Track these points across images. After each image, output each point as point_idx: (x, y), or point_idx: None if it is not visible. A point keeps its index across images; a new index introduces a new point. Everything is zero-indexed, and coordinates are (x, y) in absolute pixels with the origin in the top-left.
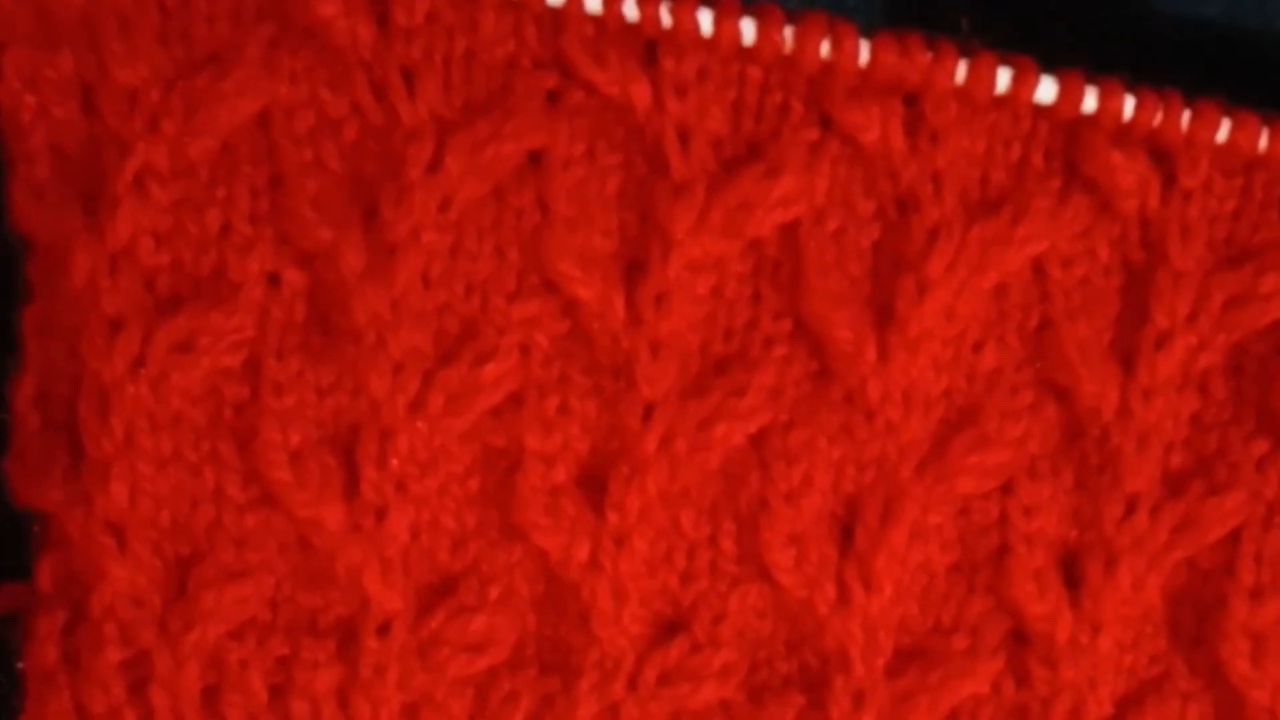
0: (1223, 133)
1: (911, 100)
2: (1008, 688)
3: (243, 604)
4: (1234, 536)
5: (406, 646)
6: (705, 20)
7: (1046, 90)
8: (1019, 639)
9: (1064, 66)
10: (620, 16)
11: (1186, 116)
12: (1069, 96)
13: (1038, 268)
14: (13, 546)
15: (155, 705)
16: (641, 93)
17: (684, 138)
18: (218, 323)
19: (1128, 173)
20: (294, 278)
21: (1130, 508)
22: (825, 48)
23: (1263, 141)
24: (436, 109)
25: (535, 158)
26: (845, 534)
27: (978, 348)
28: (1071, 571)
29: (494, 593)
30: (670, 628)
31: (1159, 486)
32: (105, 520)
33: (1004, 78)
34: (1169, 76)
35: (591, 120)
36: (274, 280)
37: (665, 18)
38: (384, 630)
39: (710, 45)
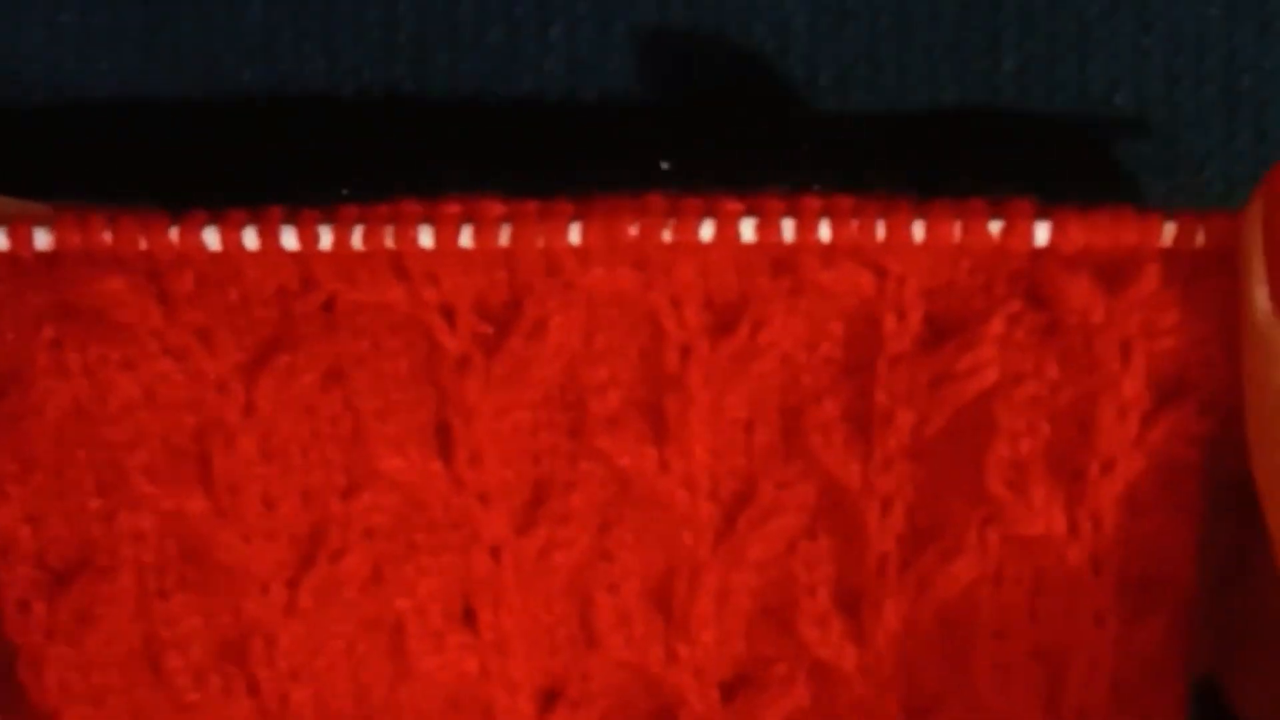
0: (919, 232)
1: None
2: (823, 700)
3: None
4: (970, 590)
5: None
6: (425, 236)
7: (748, 230)
8: (823, 668)
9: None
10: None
11: (881, 227)
12: (769, 234)
13: (784, 355)
14: None
15: None
16: (397, 296)
17: (449, 316)
18: (105, 590)
19: (840, 281)
20: (155, 530)
21: (881, 566)
22: (540, 242)
23: (956, 232)
24: (234, 357)
25: (332, 371)
26: (665, 606)
27: (749, 428)
28: (856, 611)
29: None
30: (553, 695)
31: (906, 545)
32: None
33: (708, 229)
34: None
35: (369, 315)
36: (139, 536)
37: (389, 239)
38: None
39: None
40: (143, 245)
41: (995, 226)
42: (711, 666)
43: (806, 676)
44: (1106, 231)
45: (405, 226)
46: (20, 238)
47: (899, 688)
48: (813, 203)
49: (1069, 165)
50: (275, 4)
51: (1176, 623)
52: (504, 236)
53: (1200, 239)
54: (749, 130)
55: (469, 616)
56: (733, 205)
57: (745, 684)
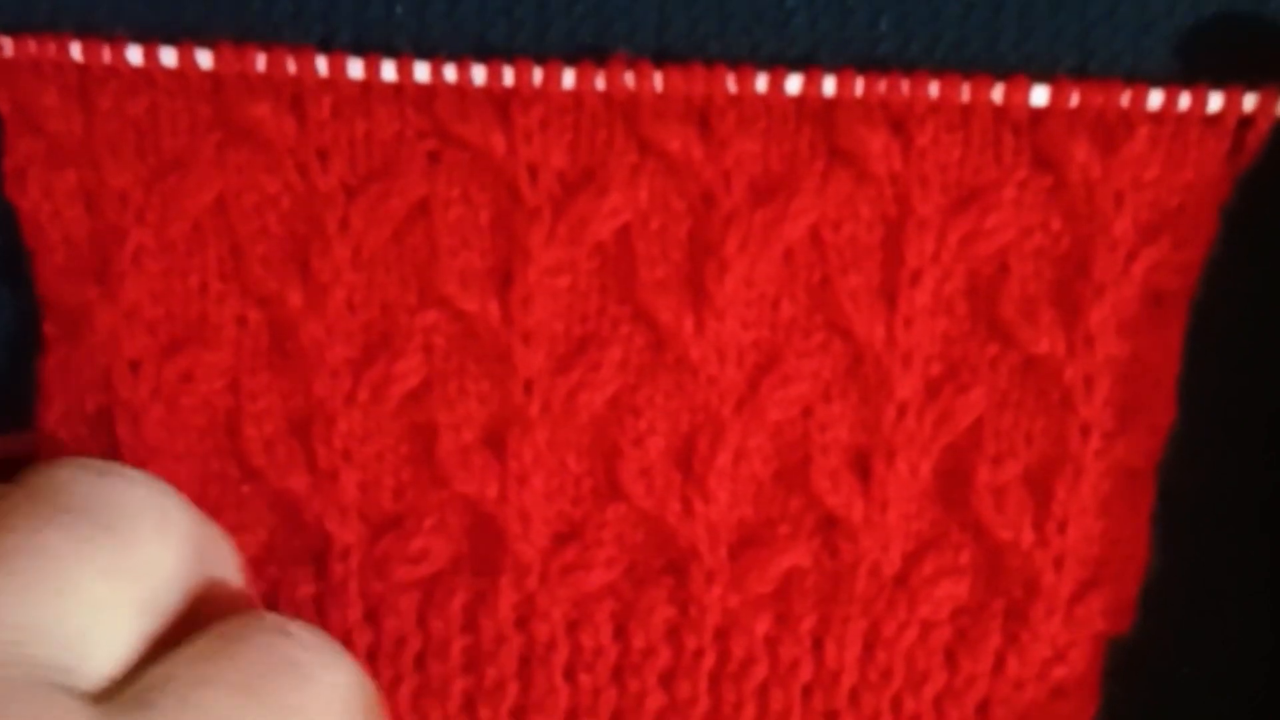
0: (933, 90)
1: (704, 120)
2: (825, 560)
3: (244, 548)
4: (978, 421)
5: (363, 564)
6: (538, 75)
7: (794, 84)
8: (828, 523)
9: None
10: (472, 81)
11: (906, 85)
12: (811, 89)
13: (814, 234)
14: None
15: None
16: (498, 141)
17: (533, 174)
18: (207, 358)
19: (874, 142)
20: (256, 316)
21: (900, 413)
22: (630, 79)
23: (965, 94)
24: (344, 179)
25: (422, 206)
26: (686, 463)
27: (775, 304)
28: (863, 467)
29: (428, 523)
30: (566, 538)
31: (921, 393)
32: None
33: (762, 81)
34: None
35: (464, 170)
36: (242, 320)
37: (508, 77)
38: (344, 555)
39: (544, 94)
40: (291, 70)
41: (998, 91)
42: (723, 526)
43: (809, 535)
44: (1101, 94)
45: (523, 68)
46: (186, 58)
47: (900, 535)
48: (849, 69)
49: None
50: None
51: (1152, 439)
52: (600, 82)
53: (1184, 104)
54: None
55: (498, 444)
56: (783, 69)
57: (750, 544)
